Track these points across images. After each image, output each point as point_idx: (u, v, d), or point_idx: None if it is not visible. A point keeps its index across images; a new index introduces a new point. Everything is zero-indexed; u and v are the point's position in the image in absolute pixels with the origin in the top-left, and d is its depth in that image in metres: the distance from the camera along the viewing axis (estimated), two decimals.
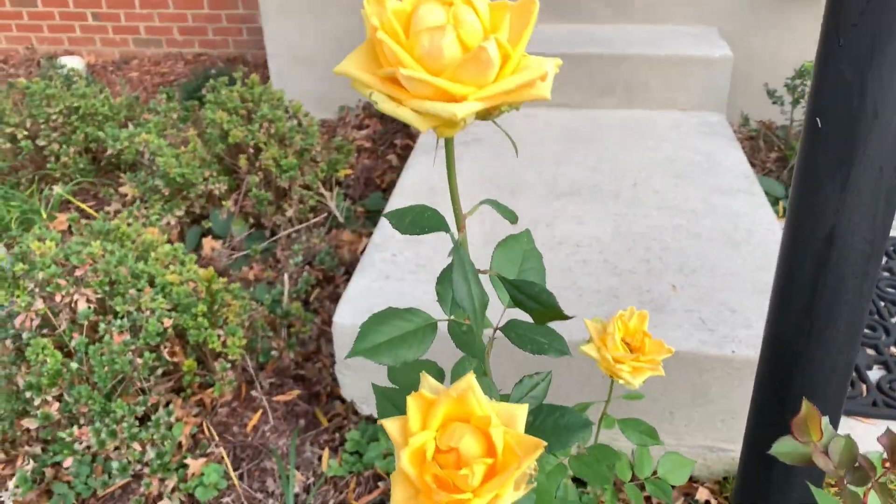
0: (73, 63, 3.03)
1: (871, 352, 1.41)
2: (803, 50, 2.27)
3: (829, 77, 0.65)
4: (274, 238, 1.90)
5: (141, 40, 3.45)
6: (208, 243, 1.86)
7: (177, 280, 1.38)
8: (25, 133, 2.11)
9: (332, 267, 1.76)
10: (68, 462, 1.24)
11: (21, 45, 3.58)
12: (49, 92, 2.12)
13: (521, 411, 0.50)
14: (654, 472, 0.88)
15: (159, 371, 1.34)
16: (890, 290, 1.57)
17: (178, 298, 1.35)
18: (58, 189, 2.09)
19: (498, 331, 0.62)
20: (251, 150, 1.91)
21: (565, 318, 0.52)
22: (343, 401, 1.42)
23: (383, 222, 1.61)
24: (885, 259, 1.67)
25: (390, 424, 0.50)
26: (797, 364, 0.82)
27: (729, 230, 1.50)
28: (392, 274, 1.40)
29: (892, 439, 0.54)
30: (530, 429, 0.57)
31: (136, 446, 1.25)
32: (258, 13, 3.15)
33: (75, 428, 1.23)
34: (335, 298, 1.69)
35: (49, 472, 1.28)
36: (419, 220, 0.51)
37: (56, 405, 1.25)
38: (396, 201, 1.68)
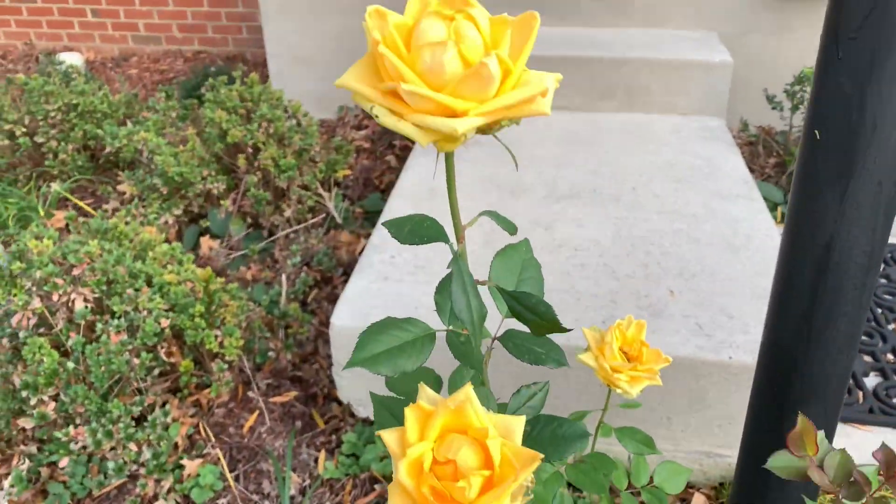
0: (72, 59, 3.03)
1: (867, 358, 1.41)
2: (803, 53, 2.27)
3: (829, 89, 0.65)
4: (272, 238, 1.90)
5: (140, 37, 3.44)
6: (206, 243, 1.86)
7: (174, 280, 1.38)
8: (24, 130, 2.11)
9: (330, 268, 1.76)
10: (64, 462, 1.24)
11: (20, 41, 3.58)
12: (48, 89, 2.12)
13: (518, 423, 0.50)
14: (651, 481, 0.88)
15: (156, 371, 1.34)
16: (887, 296, 1.57)
17: (175, 298, 1.35)
18: (55, 186, 2.09)
19: (496, 340, 0.62)
20: (250, 150, 1.90)
21: (564, 330, 0.52)
22: (340, 403, 1.42)
23: (381, 223, 1.61)
24: (882, 266, 1.67)
25: (388, 436, 0.50)
26: (795, 370, 0.82)
27: (728, 235, 1.51)
28: (391, 275, 1.40)
29: (887, 454, 0.54)
30: (527, 439, 0.57)
31: (133, 447, 1.25)
32: (258, 12, 3.15)
33: (71, 428, 1.23)
34: (333, 299, 1.69)
35: (45, 471, 1.28)
36: (418, 230, 0.50)
37: (52, 405, 1.25)
38: (395, 203, 1.68)
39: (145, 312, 1.31)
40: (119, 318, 1.30)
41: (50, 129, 2.11)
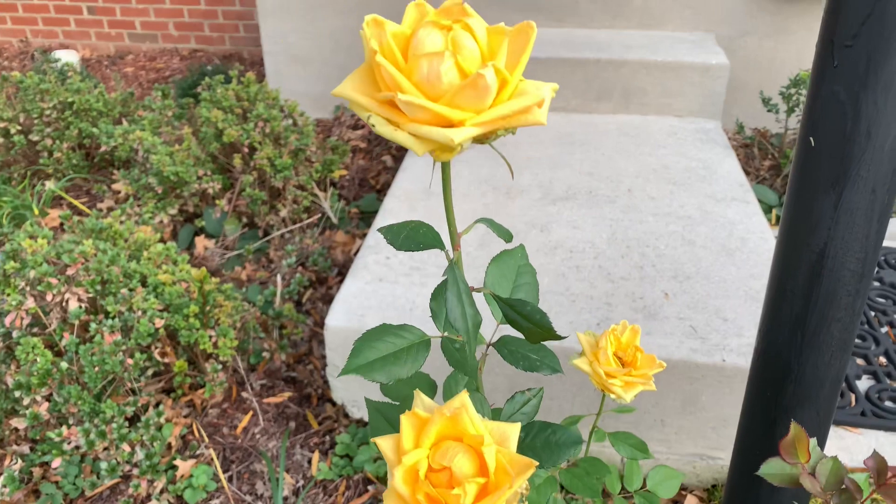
0: (68, 57, 3.02)
1: (860, 361, 1.42)
2: (800, 55, 2.28)
3: (824, 97, 0.66)
4: (267, 238, 1.90)
5: (136, 35, 3.43)
6: (201, 242, 1.86)
7: (169, 280, 1.37)
8: (18, 128, 2.10)
9: (325, 268, 1.76)
10: (57, 462, 1.23)
11: (15, 38, 3.56)
12: (43, 87, 2.11)
13: (513, 430, 0.51)
14: (644, 484, 0.88)
15: (150, 371, 1.34)
16: (880, 299, 1.58)
17: (169, 299, 1.35)
18: (50, 185, 2.08)
19: (491, 346, 0.62)
20: (246, 150, 1.90)
21: (559, 338, 0.52)
22: (334, 403, 1.42)
23: (377, 224, 1.61)
24: (875, 269, 1.67)
25: (383, 443, 0.50)
26: (789, 375, 0.82)
27: (723, 238, 1.51)
28: (386, 276, 1.40)
29: (878, 461, 0.54)
30: (521, 445, 0.57)
31: (126, 447, 1.25)
32: (255, 10, 3.14)
33: (64, 428, 1.23)
34: (328, 300, 1.69)
35: (37, 471, 1.28)
36: (414, 237, 0.50)
37: (45, 405, 1.24)
38: (391, 203, 1.68)
39: (139, 312, 1.30)
40: (113, 318, 1.30)
41: (45, 128, 2.11)
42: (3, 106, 2.13)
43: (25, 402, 1.22)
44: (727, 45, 2.30)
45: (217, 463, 1.31)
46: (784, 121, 2.15)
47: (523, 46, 0.41)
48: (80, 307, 1.29)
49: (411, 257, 1.45)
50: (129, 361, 1.27)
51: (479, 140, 0.42)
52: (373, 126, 0.40)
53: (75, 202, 2.07)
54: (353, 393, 1.38)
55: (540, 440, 0.56)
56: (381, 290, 1.36)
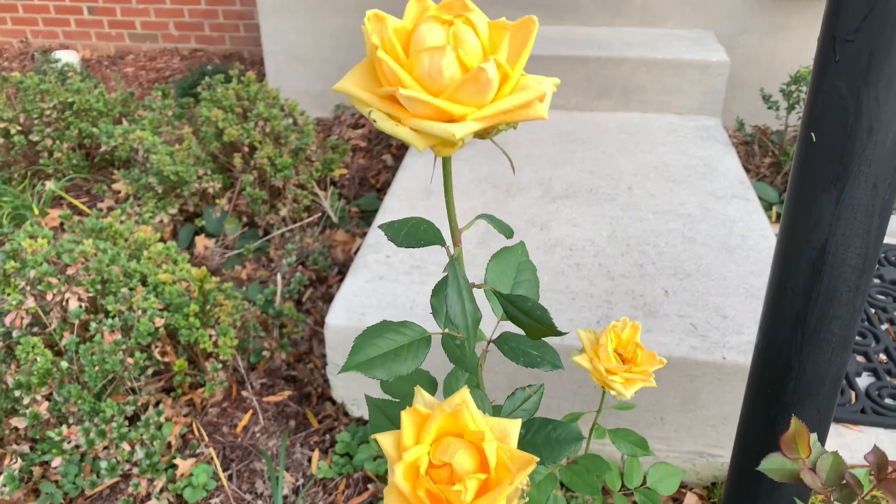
0: (68, 57, 3.02)
1: (860, 358, 1.42)
2: (800, 52, 2.28)
3: (825, 92, 0.66)
4: (267, 237, 1.90)
5: (137, 35, 3.43)
6: (201, 241, 1.86)
7: (169, 279, 1.37)
8: (18, 128, 2.10)
9: (326, 267, 1.76)
10: (56, 461, 1.23)
11: (15, 39, 3.56)
12: (43, 87, 2.11)
13: (514, 426, 0.50)
14: (644, 482, 0.88)
15: (150, 371, 1.34)
16: (880, 296, 1.58)
17: (170, 298, 1.35)
18: (50, 185, 2.08)
19: (491, 343, 0.62)
20: (246, 149, 1.90)
21: (559, 334, 0.52)
22: (334, 402, 1.42)
23: (377, 222, 1.61)
24: (876, 266, 1.67)
25: (384, 439, 0.50)
26: (789, 372, 0.82)
27: (723, 235, 1.51)
28: (386, 275, 1.40)
29: (879, 456, 0.54)
30: (522, 442, 0.57)
31: (126, 446, 1.25)
32: (255, 10, 3.14)
33: (64, 427, 1.23)
34: (328, 299, 1.69)
35: (37, 470, 1.28)
36: (415, 233, 0.50)
37: (45, 404, 1.24)
38: (391, 202, 1.68)
39: (139, 312, 1.30)
40: (113, 317, 1.30)
41: (45, 128, 2.11)
42: (3, 106, 2.13)
43: (25, 401, 1.22)
44: (727, 42, 2.30)
45: (217, 462, 1.31)
46: (784, 118, 2.15)
47: (525, 41, 0.41)
48: (81, 307, 1.29)
49: (411, 256, 1.45)
50: (129, 361, 1.27)
51: (481, 135, 0.42)
52: (374, 121, 0.40)
53: (75, 202, 2.07)
54: (353, 391, 1.38)
55: (540, 437, 0.56)
56: (381, 289, 1.36)
